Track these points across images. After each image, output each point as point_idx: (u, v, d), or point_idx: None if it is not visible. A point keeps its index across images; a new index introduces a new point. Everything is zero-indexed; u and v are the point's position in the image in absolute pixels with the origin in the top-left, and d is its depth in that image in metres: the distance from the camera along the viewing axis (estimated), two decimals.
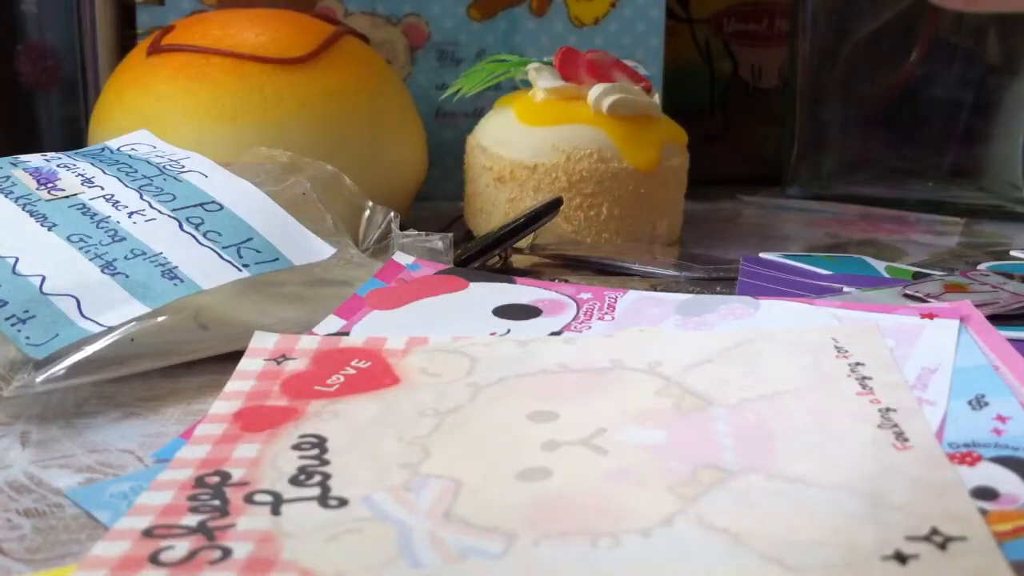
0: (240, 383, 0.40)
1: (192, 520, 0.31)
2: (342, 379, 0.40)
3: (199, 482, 0.33)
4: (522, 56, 0.64)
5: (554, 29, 0.71)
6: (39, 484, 0.36)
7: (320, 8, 0.68)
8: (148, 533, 0.31)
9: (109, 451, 0.38)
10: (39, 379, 0.40)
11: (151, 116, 0.57)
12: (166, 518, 0.31)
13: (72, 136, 0.69)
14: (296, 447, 0.35)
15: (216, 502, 0.32)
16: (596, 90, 0.59)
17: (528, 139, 0.59)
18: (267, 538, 0.30)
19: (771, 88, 0.80)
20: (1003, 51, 0.73)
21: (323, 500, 0.32)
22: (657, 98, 0.62)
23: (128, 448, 0.38)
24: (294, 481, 0.33)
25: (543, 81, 0.60)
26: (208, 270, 0.45)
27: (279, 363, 0.41)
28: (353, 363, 0.41)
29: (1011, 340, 0.47)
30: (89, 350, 0.41)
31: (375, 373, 0.40)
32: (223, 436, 0.36)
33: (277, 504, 0.32)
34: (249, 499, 0.32)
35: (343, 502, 0.32)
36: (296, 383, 0.40)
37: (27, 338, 0.40)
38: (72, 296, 0.42)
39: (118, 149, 0.53)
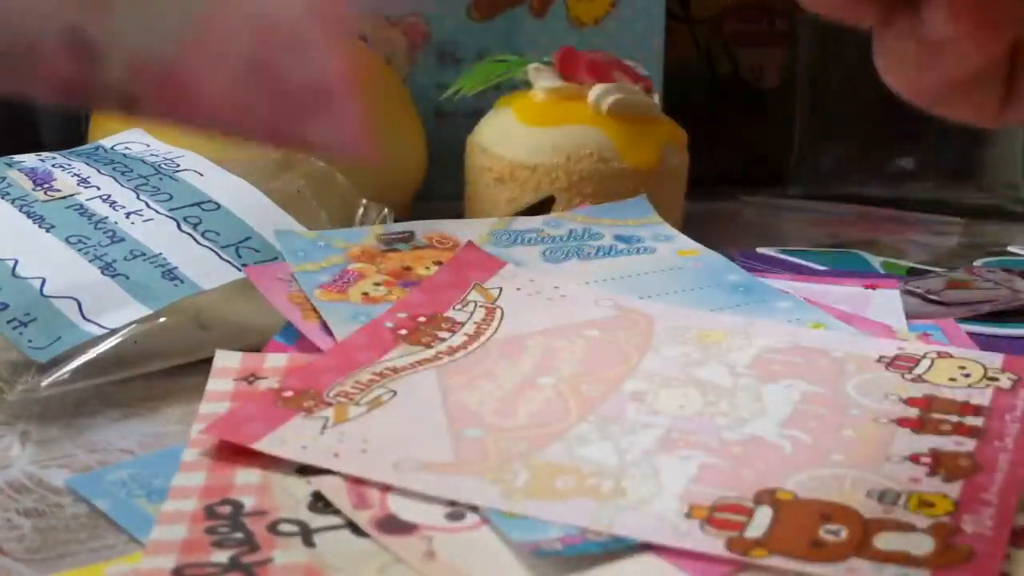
0: (214, 405, 0.38)
1: (222, 556, 0.30)
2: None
3: (210, 512, 0.32)
4: (522, 56, 0.64)
5: (554, 29, 0.71)
6: (39, 484, 0.36)
7: None
8: (179, 573, 0.30)
9: (109, 451, 0.38)
10: (44, 383, 0.40)
11: None
12: (192, 556, 0.30)
13: (72, 136, 0.69)
14: (302, 471, 0.34)
15: (239, 534, 0.31)
16: (596, 90, 0.59)
17: (528, 139, 0.59)
18: (312, 572, 0.30)
19: (771, 88, 0.80)
20: None
21: (355, 528, 0.32)
22: (657, 98, 0.62)
23: (128, 448, 0.38)
24: (314, 508, 0.33)
25: (543, 81, 0.60)
26: (208, 270, 0.45)
27: (250, 383, 0.40)
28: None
29: (1010, 337, 0.47)
30: (92, 353, 0.41)
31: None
32: (216, 461, 0.35)
33: (307, 534, 0.31)
34: (274, 529, 0.32)
35: None
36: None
37: (29, 341, 0.40)
38: (73, 298, 0.42)
39: (112, 148, 0.53)
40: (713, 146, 0.68)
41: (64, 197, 0.48)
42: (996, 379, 0.40)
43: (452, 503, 0.33)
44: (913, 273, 0.56)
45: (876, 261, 0.59)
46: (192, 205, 0.48)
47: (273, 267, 0.46)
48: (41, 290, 0.42)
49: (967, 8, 0.25)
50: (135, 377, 0.42)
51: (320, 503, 0.33)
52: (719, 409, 0.38)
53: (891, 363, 0.41)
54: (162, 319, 0.43)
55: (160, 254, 0.45)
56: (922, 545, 0.31)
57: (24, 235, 0.45)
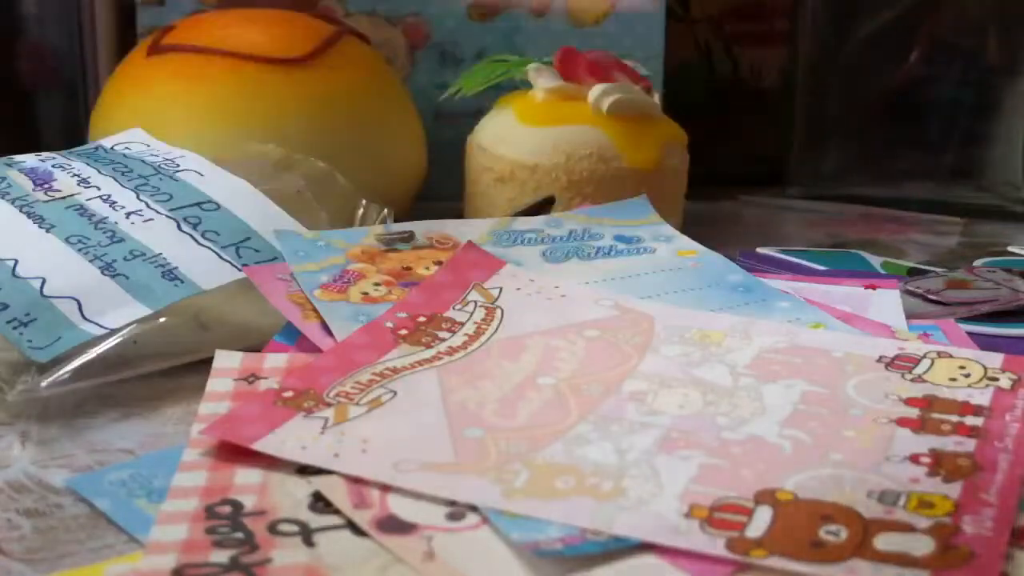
0: (214, 405, 0.38)
1: (222, 556, 0.30)
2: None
3: (210, 512, 0.32)
4: (522, 56, 0.64)
5: (554, 29, 0.71)
6: (39, 484, 0.36)
7: (320, 8, 0.68)
8: (179, 573, 0.30)
9: (109, 451, 0.38)
10: (44, 383, 0.40)
11: (151, 116, 0.57)
12: (192, 555, 0.30)
13: (72, 136, 0.69)
14: (302, 471, 0.35)
15: (239, 534, 0.31)
16: (596, 90, 0.59)
17: (528, 139, 0.59)
18: (312, 572, 0.30)
19: (771, 88, 0.80)
20: (1003, 51, 0.73)
21: (355, 528, 0.32)
22: (657, 98, 0.62)
23: (128, 448, 0.38)
24: (314, 508, 0.33)
25: (543, 81, 0.60)
26: (208, 270, 0.45)
27: (250, 383, 0.40)
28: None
29: (1010, 337, 0.47)
30: (92, 353, 0.41)
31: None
32: (216, 461, 0.35)
33: (307, 534, 0.32)
34: (274, 529, 0.32)
35: None
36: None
37: (29, 341, 0.40)
38: (73, 298, 0.42)
39: (112, 148, 0.53)
40: (713, 146, 0.68)
41: (64, 197, 0.48)
42: (996, 379, 0.40)
43: (452, 503, 0.33)
44: (913, 273, 0.56)
45: (876, 261, 0.59)
46: (192, 205, 0.48)
47: (273, 267, 0.46)
48: (41, 290, 0.42)
49: None
50: (135, 377, 0.42)
51: (320, 503, 0.33)
52: (719, 409, 0.38)
53: (891, 363, 0.41)
54: (162, 319, 0.43)
55: (160, 254, 0.45)
56: (922, 546, 0.31)
57: (24, 235, 0.45)
